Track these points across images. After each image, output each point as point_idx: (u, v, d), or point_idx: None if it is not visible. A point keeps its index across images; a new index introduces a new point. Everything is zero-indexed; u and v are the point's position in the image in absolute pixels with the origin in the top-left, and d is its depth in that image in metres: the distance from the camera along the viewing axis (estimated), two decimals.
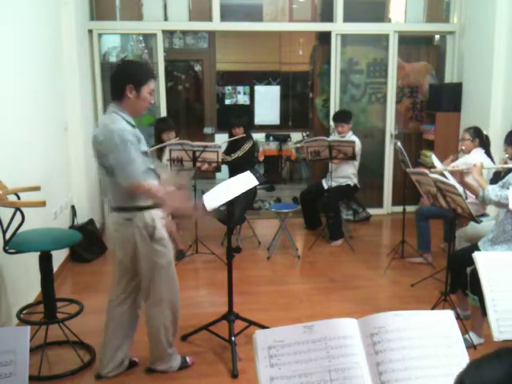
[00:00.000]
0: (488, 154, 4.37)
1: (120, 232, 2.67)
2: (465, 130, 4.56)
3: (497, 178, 3.81)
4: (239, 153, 5.11)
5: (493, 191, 3.09)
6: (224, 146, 5.23)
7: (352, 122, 5.42)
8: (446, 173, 3.93)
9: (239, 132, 5.18)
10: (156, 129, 5.01)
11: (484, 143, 4.42)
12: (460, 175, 3.48)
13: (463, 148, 4.43)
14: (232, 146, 5.20)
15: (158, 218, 2.68)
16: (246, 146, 5.13)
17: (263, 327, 3.17)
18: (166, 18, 5.94)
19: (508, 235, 3.09)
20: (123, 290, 2.84)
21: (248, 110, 8.99)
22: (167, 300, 2.77)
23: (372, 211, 6.33)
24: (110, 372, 2.86)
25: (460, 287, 3.41)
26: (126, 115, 2.60)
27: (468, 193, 3.86)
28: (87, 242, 4.73)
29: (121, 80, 2.60)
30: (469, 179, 3.46)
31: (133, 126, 2.62)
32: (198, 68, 9.28)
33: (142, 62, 2.74)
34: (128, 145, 2.49)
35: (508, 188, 3.07)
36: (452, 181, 3.59)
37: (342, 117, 5.38)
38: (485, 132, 4.47)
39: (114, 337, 2.87)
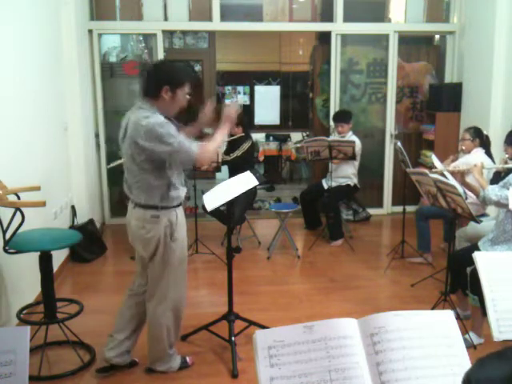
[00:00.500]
0: (488, 153, 4.37)
1: (146, 229, 2.66)
2: (465, 130, 4.56)
3: (497, 178, 3.81)
4: (238, 152, 5.11)
5: (493, 191, 3.09)
6: (223, 146, 5.23)
7: (352, 121, 5.42)
8: (446, 173, 3.92)
9: (238, 131, 5.18)
10: None
11: (484, 143, 4.42)
12: (461, 175, 3.48)
13: (463, 148, 4.43)
14: (231, 146, 5.20)
15: (181, 216, 2.72)
16: (245, 146, 5.13)
17: (263, 327, 3.17)
18: (166, 18, 5.94)
19: (508, 235, 3.09)
20: (146, 282, 2.86)
21: (248, 110, 8.99)
22: (172, 299, 2.77)
23: (372, 211, 6.33)
24: (112, 358, 2.87)
25: (460, 287, 3.41)
26: (157, 113, 2.57)
27: (468, 193, 3.86)
28: (87, 242, 4.73)
29: (158, 79, 2.59)
30: (469, 179, 3.46)
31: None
32: (198, 68, 9.28)
33: (182, 64, 2.75)
34: (171, 131, 2.50)
35: (508, 188, 3.07)
36: (452, 181, 3.59)
37: (342, 117, 5.38)
38: (485, 132, 4.47)
39: (126, 326, 2.89)
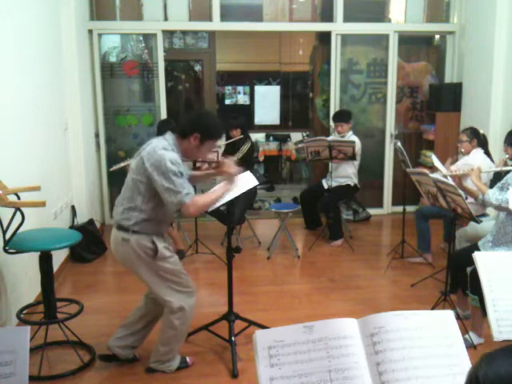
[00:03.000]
0: (487, 153, 4.36)
1: (117, 251, 2.75)
2: (462, 132, 4.54)
3: (498, 177, 3.81)
4: (238, 155, 5.10)
5: (493, 195, 3.08)
6: (222, 148, 5.22)
7: (352, 121, 5.42)
8: (446, 173, 3.92)
9: (236, 134, 5.16)
10: (159, 130, 5.01)
11: (482, 143, 4.40)
12: (459, 179, 3.48)
13: (462, 150, 4.42)
14: (230, 148, 5.18)
15: (157, 238, 2.70)
16: (245, 148, 5.12)
17: (263, 327, 3.17)
18: (166, 18, 5.94)
19: (509, 237, 3.08)
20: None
21: (248, 110, 8.99)
22: (178, 308, 2.77)
23: (372, 211, 6.33)
24: (115, 347, 2.91)
25: (460, 287, 3.41)
26: (178, 152, 2.66)
27: None
28: (87, 242, 4.73)
29: (193, 125, 2.68)
30: (468, 183, 3.45)
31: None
32: (198, 68, 9.28)
33: (218, 120, 2.81)
34: (178, 171, 2.55)
35: (508, 189, 3.07)
36: (452, 181, 3.59)
37: (342, 116, 5.37)
38: (481, 131, 4.46)
39: (135, 323, 2.94)
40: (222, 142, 5.36)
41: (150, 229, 2.68)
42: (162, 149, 2.59)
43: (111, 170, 4.88)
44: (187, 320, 2.85)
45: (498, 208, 3.09)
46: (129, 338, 2.94)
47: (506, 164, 3.80)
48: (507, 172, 3.29)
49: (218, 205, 2.88)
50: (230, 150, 5.19)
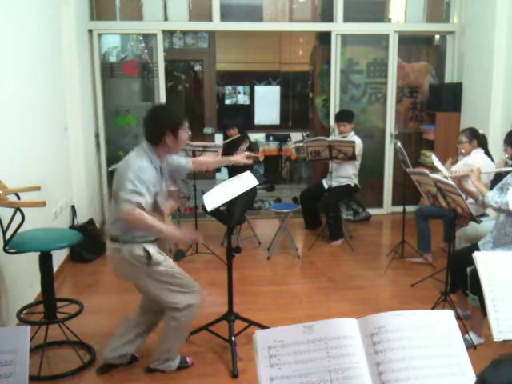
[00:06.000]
0: (487, 153, 4.36)
1: (114, 262, 2.78)
2: (461, 133, 4.54)
3: (499, 178, 3.80)
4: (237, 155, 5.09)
5: (492, 198, 3.08)
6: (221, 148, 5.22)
7: (354, 122, 5.43)
8: (447, 173, 3.92)
9: (233, 133, 5.17)
10: None
11: (482, 142, 4.40)
12: (458, 180, 3.47)
13: (463, 151, 4.41)
14: (229, 148, 5.18)
15: (149, 245, 2.69)
16: (243, 147, 5.12)
17: (263, 327, 3.17)
18: (166, 18, 5.93)
19: (509, 237, 3.08)
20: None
21: (248, 110, 8.99)
22: (189, 305, 2.78)
23: (372, 211, 6.33)
24: (109, 359, 2.90)
25: (460, 287, 3.41)
26: (154, 157, 2.67)
27: None
28: (87, 242, 4.71)
29: (159, 127, 2.67)
30: (468, 184, 3.45)
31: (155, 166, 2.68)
32: (198, 68, 9.28)
33: (171, 106, 2.84)
34: (137, 179, 2.54)
35: (507, 189, 3.06)
36: (452, 181, 3.59)
37: (344, 116, 5.38)
38: (481, 131, 4.46)
39: (129, 331, 2.92)
40: (220, 142, 5.37)
41: (138, 237, 2.67)
42: (134, 157, 2.64)
43: (110, 169, 4.90)
44: (189, 318, 2.84)
45: (498, 210, 3.09)
46: (125, 347, 2.90)
47: (506, 164, 3.79)
48: (507, 172, 3.29)
49: (217, 205, 2.89)
50: (228, 150, 5.19)
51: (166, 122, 2.67)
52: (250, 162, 3.22)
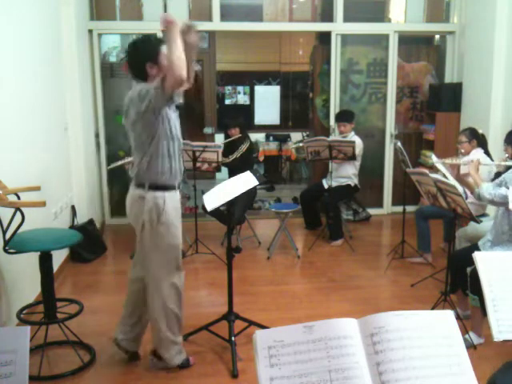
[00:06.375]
0: (487, 153, 4.36)
1: (132, 209, 2.77)
2: (461, 133, 4.54)
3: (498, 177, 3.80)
4: (237, 154, 5.11)
5: (487, 189, 3.08)
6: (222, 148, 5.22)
7: (354, 122, 5.43)
8: (447, 173, 3.92)
9: (235, 133, 5.17)
10: None
11: (481, 142, 4.40)
12: (457, 169, 3.49)
13: (462, 151, 4.42)
14: (229, 148, 5.19)
15: (170, 198, 2.73)
16: (243, 147, 5.13)
17: (263, 327, 3.17)
18: None
19: (506, 236, 3.09)
20: (141, 267, 2.89)
21: (248, 110, 8.99)
22: (166, 284, 2.78)
23: (372, 211, 6.34)
24: (120, 340, 2.94)
25: (460, 287, 3.41)
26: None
27: (468, 193, 3.86)
28: (87, 242, 4.72)
29: (137, 62, 2.68)
30: (467, 177, 3.46)
31: None
32: (198, 68, 9.28)
33: (143, 37, 2.79)
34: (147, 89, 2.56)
35: (505, 186, 3.07)
36: (452, 181, 3.59)
37: (344, 116, 5.39)
38: (480, 131, 4.46)
39: (134, 312, 2.95)
40: (220, 142, 5.37)
41: (164, 172, 2.69)
42: (140, 87, 2.63)
43: (109, 168, 4.89)
44: (179, 297, 2.85)
45: (492, 203, 3.10)
46: (134, 329, 2.95)
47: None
48: (508, 168, 3.29)
49: (217, 205, 2.89)
50: (229, 150, 5.20)
51: (144, 54, 2.67)
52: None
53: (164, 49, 2.63)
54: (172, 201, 2.76)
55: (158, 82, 2.53)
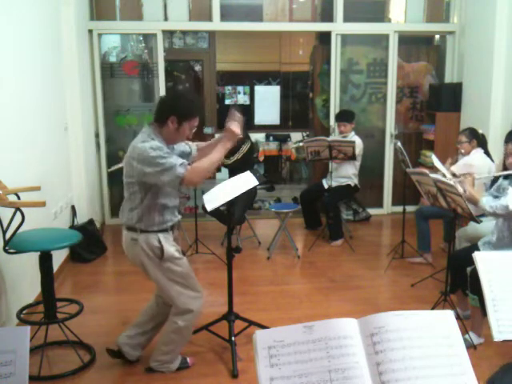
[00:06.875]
0: (486, 153, 4.36)
1: (128, 251, 2.78)
2: (460, 133, 4.54)
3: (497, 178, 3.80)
4: (237, 155, 5.10)
5: (487, 203, 3.08)
6: None
7: (354, 122, 5.43)
8: (447, 173, 3.92)
9: None
10: None
11: (481, 142, 4.39)
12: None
13: (462, 151, 4.41)
14: (230, 148, 5.17)
15: (164, 238, 2.71)
16: (244, 148, 5.12)
17: (263, 327, 3.17)
18: (165, 18, 5.94)
19: (507, 240, 3.09)
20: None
21: (248, 110, 8.99)
22: (183, 312, 2.78)
23: (372, 211, 6.33)
24: (124, 345, 2.94)
25: (460, 287, 3.41)
26: (160, 140, 2.63)
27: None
28: (87, 242, 4.73)
29: (167, 108, 2.65)
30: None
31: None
32: (198, 68, 9.28)
33: (192, 97, 2.77)
34: (162, 153, 2.53)
35: (503, 192, 3.07)
36: (452, 181, 3.59)
37: (344, 116, 5.39)
38: (480, 131, 4.46)
39: (145, 323, 2.96)
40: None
41: (155, 224, 2.68)
42: (141, 142, 2.58)
43: (109, 170, 4.89)
44: (192, 323, 2.85)
45: (493, 214, 3.09)
46: (140, 337, 2.95)
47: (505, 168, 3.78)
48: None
49: (217, 205, 2.88)
50: (229, 150, 5.18)
51: (177, 107, 2.64)
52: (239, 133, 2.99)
53: (194, 121, 2.69)
54: (167, 240, 2.73)
55: (179, 172, 2.51)
